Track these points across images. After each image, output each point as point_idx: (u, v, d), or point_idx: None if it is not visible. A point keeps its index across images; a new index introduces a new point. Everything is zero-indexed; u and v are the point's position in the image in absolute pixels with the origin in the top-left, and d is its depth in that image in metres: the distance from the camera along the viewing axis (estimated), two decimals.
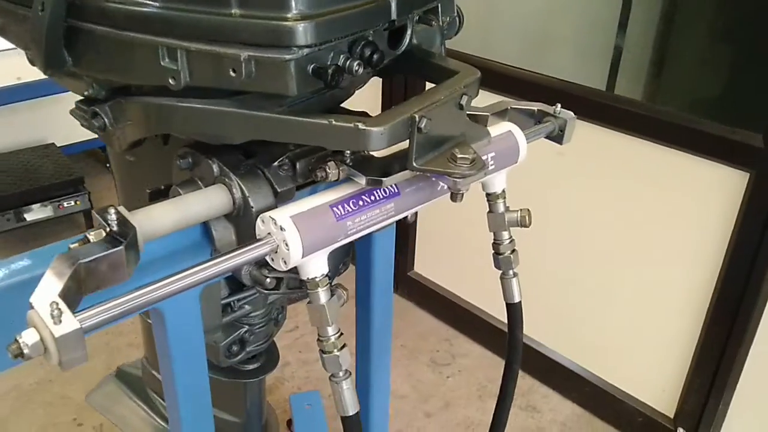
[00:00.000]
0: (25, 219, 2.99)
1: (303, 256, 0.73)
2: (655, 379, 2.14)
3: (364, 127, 0.68)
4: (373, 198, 0.79)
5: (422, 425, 2.27)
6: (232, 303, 0.99)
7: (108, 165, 3.74)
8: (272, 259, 0.74)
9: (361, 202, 0.78)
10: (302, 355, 2.51)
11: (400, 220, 0.86)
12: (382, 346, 1.17)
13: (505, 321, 2.51)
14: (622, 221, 2.06)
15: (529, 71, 2.17)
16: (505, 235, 1.00)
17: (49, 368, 2.38)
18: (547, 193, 2.17)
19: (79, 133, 3.40)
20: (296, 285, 0.89)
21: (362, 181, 0.77)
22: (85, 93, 0.85)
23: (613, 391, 2.23)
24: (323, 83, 0.69)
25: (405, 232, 2.65)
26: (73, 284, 0.63)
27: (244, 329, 1.06)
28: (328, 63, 0.69)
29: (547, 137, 1.00)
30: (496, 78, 2.12)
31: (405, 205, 0.83)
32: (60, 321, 0.57)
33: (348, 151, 0.77)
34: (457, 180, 0.73)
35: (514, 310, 1.06)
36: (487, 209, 0.99)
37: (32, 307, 0.58)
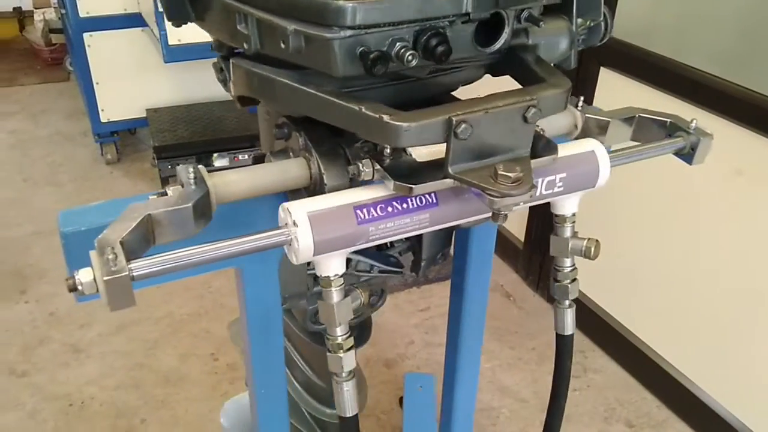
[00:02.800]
0: (207, 165, 3.28)
1: (315, 255, 0.69)
2: None
3: (390, 121, 0.64)
4: (405, 206, 0.73)
5: None
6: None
7: None
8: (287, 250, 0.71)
9: (390, 208, 0.72)
10: (428, 337, 2.51)
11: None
12: (473, 340, 1.13)
13: (649, 343, 2.32)
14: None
15: (728, 81, 1.89)
16: (567, 262, 0.90)
17: (202, 303, 2.62)
18: (718, 215, 1.94)
19: None
20: (366, 269, 0.87)
21: (390, 185, 0.70)
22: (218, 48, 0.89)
23: None
24: (363, 68, 0.66)
25: None
26: (140, 233, 0.66)
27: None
28: (377, 49, 0.65)
29: (676, 154, 0.88)
30: (683, 84, 1.91)
31: (442, 217, 0.75)
32: (114, 265, 0.60)
33: (387, 150, 0.71)
34: (494, 198, 0.66)
35: (564, 343, 0.97)
36: (553, 231, 0.89)
37: (94, 248, 0.62)
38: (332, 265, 0.73)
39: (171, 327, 2.51)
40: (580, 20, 0.86)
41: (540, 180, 0.77)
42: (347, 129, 0.70)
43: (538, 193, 0.79)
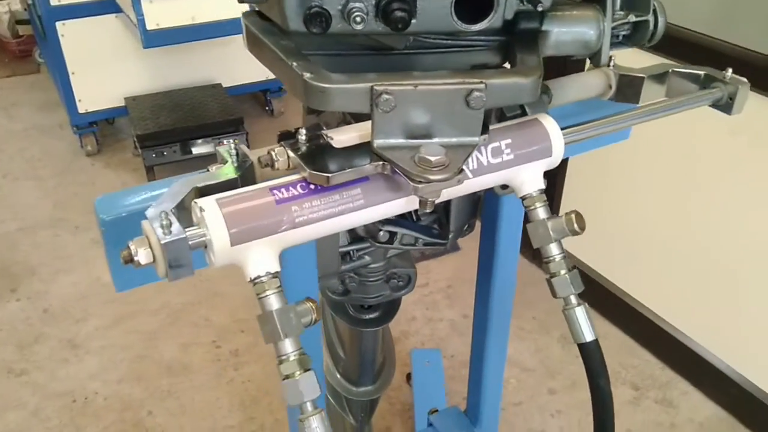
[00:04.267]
0: (191, 152, 3.22)
1: (232, 245, 0.61)
2: None
3: (309, 80, 0.61)
4: None
5: (545, 402, 2.19)
6: (351, 252, 0.98)
7: (267, 108, 3.92)
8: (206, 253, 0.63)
9: (312, 185, 0.65)
10: (429, 312, 2.51)
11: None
12: (502, 315, 1.12)
13: (650, 305, 2.35)
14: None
15: (717, 39, 1.90)
16: (554, 249, 0.77)
17: (196, 292, 2.58)
18: (714, 177, 1.96)
19: (243, 75, 3.60)
20: (410, 242, 0.85)
21: (303, 173, 0.64)
22: None
23: (765, 398, 2.01)
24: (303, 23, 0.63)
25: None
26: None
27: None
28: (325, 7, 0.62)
29: (713, 105, 0.87)
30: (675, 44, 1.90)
31: (377, 194, 0.67)
32: (169, 231, 0.58)
33: (303, 133, 0.67)
34: (416, 185, 0.61)
35: (589, 352, 0.79)
36: (526, 220, 0.80)
37: (146, 218, 0.60)
38: (261, 261, 0.63)
39: (170, 317, 2.48)
40: (621, 13, 0.81)
41: (483, 149, 0.71)
42: (277, 77, 0.68)
43: (485, 163, 0.72)
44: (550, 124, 0.77)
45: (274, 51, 0.67)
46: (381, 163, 0.64)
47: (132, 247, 0.58)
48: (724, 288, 2.05)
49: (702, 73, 0.87)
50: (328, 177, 0.63)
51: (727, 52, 1.84)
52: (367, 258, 1.01)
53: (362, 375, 1.24)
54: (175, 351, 2.33)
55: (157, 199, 0.62)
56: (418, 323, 2.48)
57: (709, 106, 0.87)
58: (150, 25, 2.74)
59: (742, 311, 2.01)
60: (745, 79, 0.86)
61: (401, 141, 0.63)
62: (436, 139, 0.64)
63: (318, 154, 0.66)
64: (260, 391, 2.18)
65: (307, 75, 0.61)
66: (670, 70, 0.89)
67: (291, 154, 0.67)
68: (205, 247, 0.61)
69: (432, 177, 0.60)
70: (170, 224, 0.58)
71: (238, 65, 3.48)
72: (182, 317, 2.48)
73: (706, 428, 2.09)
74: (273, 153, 0.67)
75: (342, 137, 0.68)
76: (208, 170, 0.69)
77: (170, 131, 3.16)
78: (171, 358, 2.30)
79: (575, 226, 0.74)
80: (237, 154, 0.69)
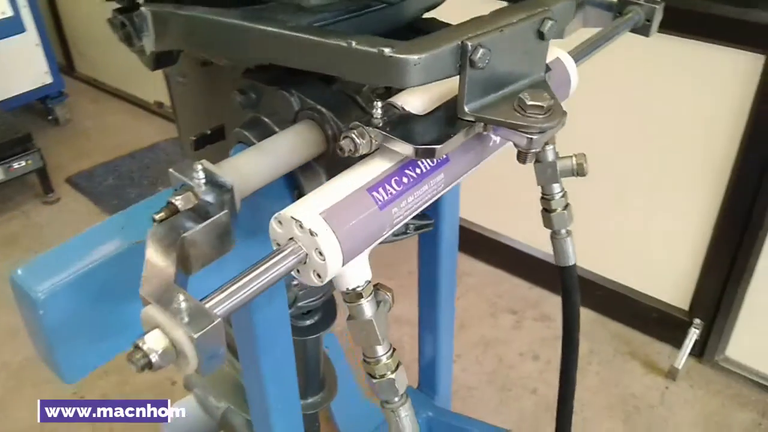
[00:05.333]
0: None
1: (343, 265, 0.54)
2: (669, 276, 2.13)
3: (392, 54, 0.51)
4: (419, 171, 0.59)
5: None
6: None
7: (50, 117, 3.45)
8: (298, 272, 0.55)
9: (405, 179, 0.58)
10: None
11: None
12: (447, 305, 1.08)
13: (507, 234, 2.45)
14: (632, 118, 1.99)
15: None
16: (556, 188, 0.85)
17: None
18: None
19: (16, 85, 3.11)
20: (402, 231, 0.77)
21: (408, 151, 0.55)
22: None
23: (626, 291, 2.23)
24: None
25: None
26: (179, 266, 0.50)
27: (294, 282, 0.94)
28: None
29: (632, 31, 0.87)
30: None
31: (455, 174, 0.63)
32: (190, 316, 0.44)
33: (378, 107, 0.57)
34: (533, 137, 0.55)
35: (569, 274, 0.92)
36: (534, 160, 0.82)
37: (147, 303, 0.45)
38: (360, 272, 0.57)
39: (12, 379, 2.11)
40: None
41: None
42: (332, 73, 0.57)
43: None
44: (569, 62, 0.74)
45: (291, 36, 0.55)
46: (482, 123, 0.56)
47: (145, 348, 0.43)
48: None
49: None
50: (435, 149, 0.54)
51: None
52: None
53: (309, 385, 1.14)
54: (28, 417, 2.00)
55: (147, 262, 0.47)
56: None
57: (630, 31, 0.87)
58: None
59: (591, 220, 2.19)
60: None
61: (488, 98, 0.56)
62: (513, 86, 0.57)
63: (404, 127, 0.57)
64: None
65: (387, 51, 0.51)
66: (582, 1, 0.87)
67: (374, 133, 0.56)
68: (302, 265, 0.53)
69: (546, 125, 0.54)
70: (190, 307, 0.44)
71: (6, 74, 2.99)
72: (26, 375, 2.13)
73: (582, 331, 2.27)
74: (353, 137, 0.55)
75: (416, 103, 0.59)
76: (169, 204, 0.54)
77: None
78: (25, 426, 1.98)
79: (584, 168, 0.80)
80: (206, 179, 0.54)
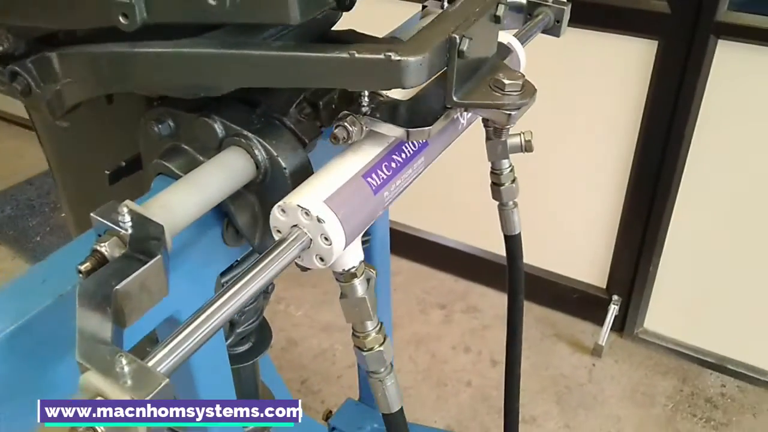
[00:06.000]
0: None
1: (344, 248, 0.59)
2: (584, 256, 2.22)
3: (399, 58, 0.53)
4: (404, 155, 0.64)
5: None
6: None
7: None
8: (301, 258, 0.57)
9: (393, 164, 0.63)
10: None
11: None
12: (384, 309, 1.07)
13: (428, 230, 2.47)
14: (544, 105, 2.04)
15: None
16: (506, 163, 0.92)
17: None
18: None
19: None
20: None
21: (397, 133, 0.60)
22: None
23: (546, 275, 2.29)
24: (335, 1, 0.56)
25: None
26: (113, 320, 0.46)
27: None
28: None
29: (543, 32, 0.89)
30: None
31: (431, 156, 0.68)
32: (135, 380, 0.40)
33: (365, 96, 0.60)
34: (511, 113, 0.59)
35: (514, 242, 1.01)
36: (485, 137, 0.88)
37: (85, 369, 0.41)
38: (355, 253, 0.62)
39: None
40: None
41: None
42: (325, 86, 0.59)
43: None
44: (518, 47, 0.78)
45: (277, 56, 0.55)
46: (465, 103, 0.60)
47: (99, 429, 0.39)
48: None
49: (524, 0, 0.88)
50: (428, 130, 0.59)
51: None
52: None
53: None
54: None
55: (80, 321, 0.42)
56: None
57: (542, 33, 0.88)
58: None
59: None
60: None
61: (468, 85, 0.60)
62: (481, 70, 0.61)
63: (393, 113, 0.61)
64: None
65: (393, 56, 0.53)
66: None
67: (365, 120, 0.60)
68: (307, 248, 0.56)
69: (522, 101, 0.59)
70: (133, 370, 0.40)
71: None
72: None
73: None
74: (346, 125, 0.59)
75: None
76: (95, 251, 0.50)
77: None
78: None
79: (531, 145, 0.87)
80: (133, 221, 0.50)
